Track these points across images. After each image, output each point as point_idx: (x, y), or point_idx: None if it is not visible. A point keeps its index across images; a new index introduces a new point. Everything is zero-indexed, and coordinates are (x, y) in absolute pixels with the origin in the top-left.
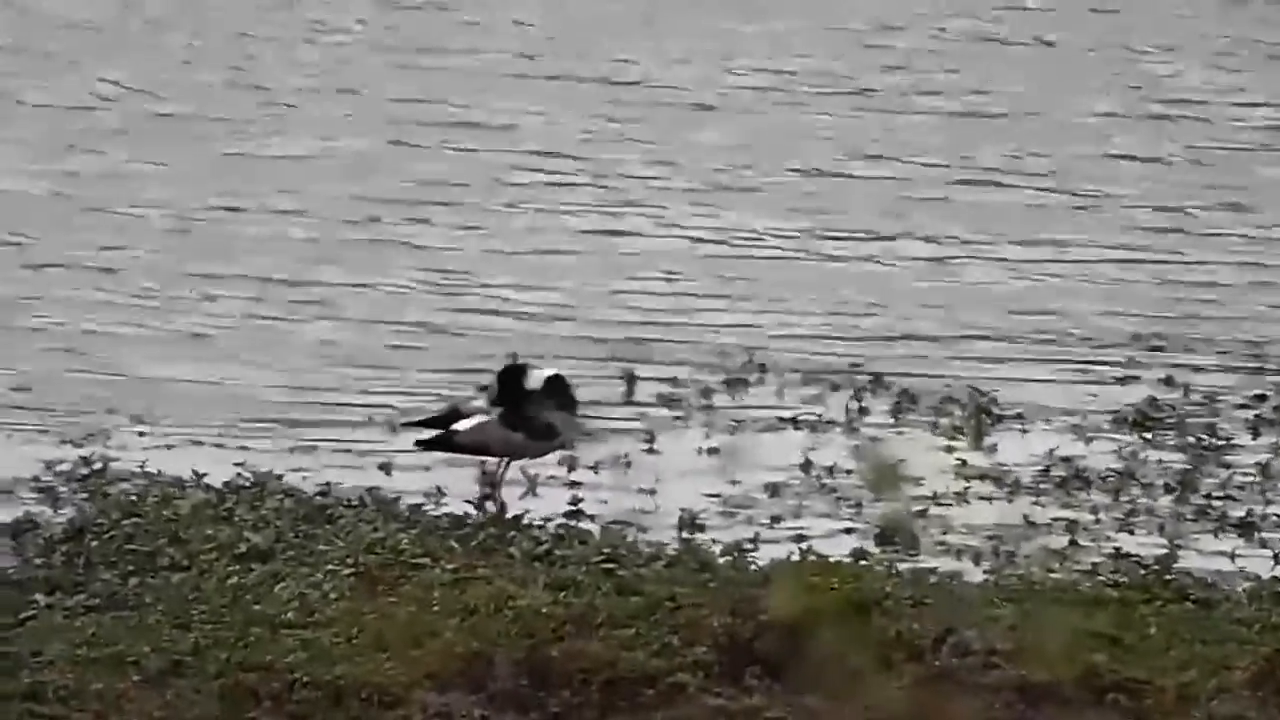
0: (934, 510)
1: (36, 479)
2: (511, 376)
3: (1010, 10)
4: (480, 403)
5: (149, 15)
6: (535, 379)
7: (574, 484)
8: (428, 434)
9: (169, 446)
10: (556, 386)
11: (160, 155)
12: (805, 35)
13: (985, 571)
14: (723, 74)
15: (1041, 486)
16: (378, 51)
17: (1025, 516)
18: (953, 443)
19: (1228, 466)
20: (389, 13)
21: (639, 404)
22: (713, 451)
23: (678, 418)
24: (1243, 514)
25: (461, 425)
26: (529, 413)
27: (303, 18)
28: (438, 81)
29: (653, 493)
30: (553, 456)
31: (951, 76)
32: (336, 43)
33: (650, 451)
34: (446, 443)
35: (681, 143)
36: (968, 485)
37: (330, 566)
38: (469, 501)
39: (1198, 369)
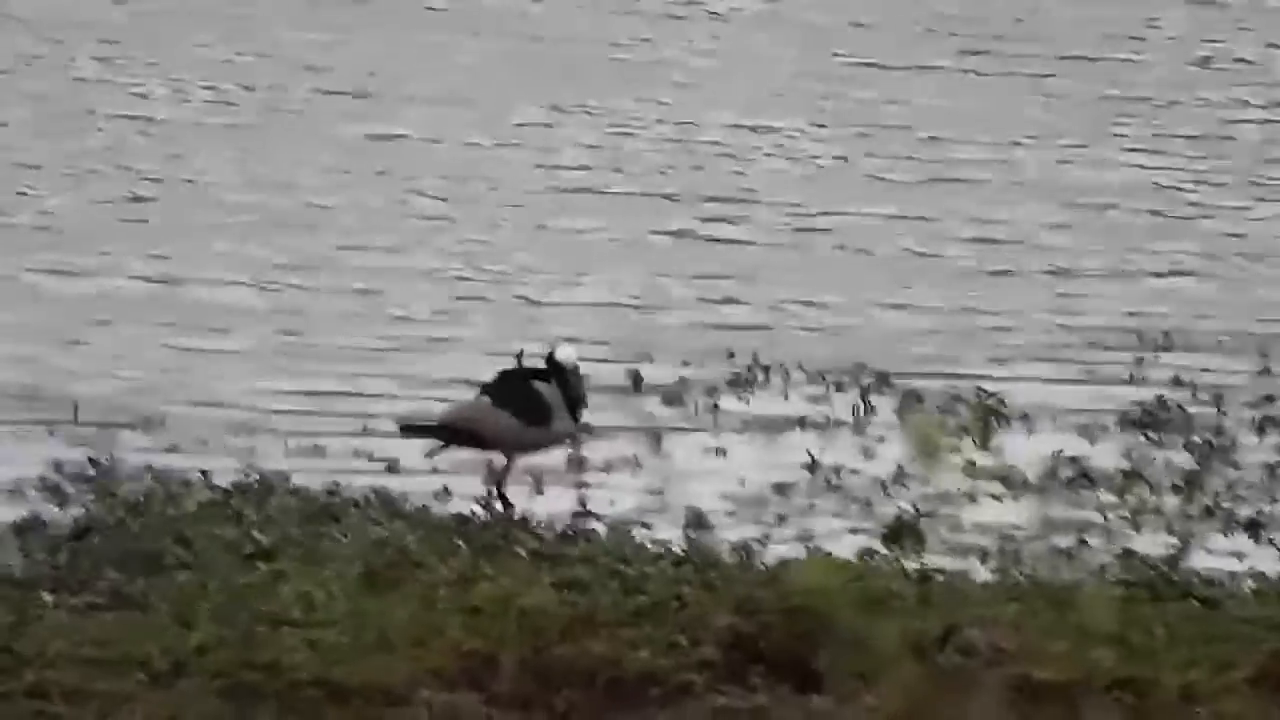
0: (942, 509)
1: (44, 478)
2: (513, 375)
3: None
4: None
5: None
6: (564, 356)
7: (580, 484)
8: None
9: (175, 446)
10: (565, 376)
11: None
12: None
13: (992, 571)
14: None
15: (1049, 486)
16: None
17: (1033, 516)
18: (960, 442)
19: (1235, 466)
20: None
21: (645, 403)
22: (719, 451)
23: (684, 417)
24: (1250, 514)
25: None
26: (521, 394)
27: None
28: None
29: (659, 492)
30: (559, 454)
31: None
32: None
33: (657, 451)
34: (433, 428)
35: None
36: (975, 485)
37: (335, 566)
38: (475, 501)
39: (1205, 369)
